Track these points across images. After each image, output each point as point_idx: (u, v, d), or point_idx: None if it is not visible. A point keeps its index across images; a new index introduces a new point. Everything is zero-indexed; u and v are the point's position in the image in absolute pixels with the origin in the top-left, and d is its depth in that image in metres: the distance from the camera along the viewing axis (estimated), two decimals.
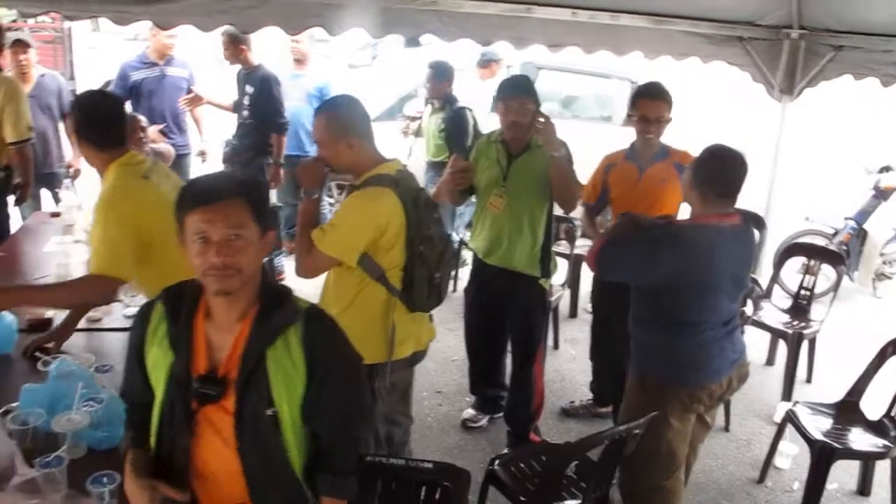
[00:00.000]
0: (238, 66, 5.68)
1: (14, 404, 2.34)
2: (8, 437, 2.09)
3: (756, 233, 4.80)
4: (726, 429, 4.31)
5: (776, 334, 4.91)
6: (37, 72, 5.54)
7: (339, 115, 2.74)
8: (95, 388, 2.41)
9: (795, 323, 4.82)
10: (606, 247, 2.90)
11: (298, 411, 1.80)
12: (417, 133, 6.35)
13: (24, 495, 1.90)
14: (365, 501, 2.22)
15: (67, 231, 4.21)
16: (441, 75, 5.77)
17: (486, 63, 6.40)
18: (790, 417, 3.64)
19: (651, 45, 5.27)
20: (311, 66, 6.20)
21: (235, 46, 5.48)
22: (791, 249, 5.46)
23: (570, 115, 7.47)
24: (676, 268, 2.73)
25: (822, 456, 3.37)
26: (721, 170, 2.77)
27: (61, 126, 5.68)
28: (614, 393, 3.67)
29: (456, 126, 5.56)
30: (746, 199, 3.05)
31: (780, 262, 5.39)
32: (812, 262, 5.02)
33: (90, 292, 2.72)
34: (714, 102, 10.58)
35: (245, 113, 5.64)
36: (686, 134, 4.31)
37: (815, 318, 4.87)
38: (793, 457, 3.95)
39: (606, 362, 4.12)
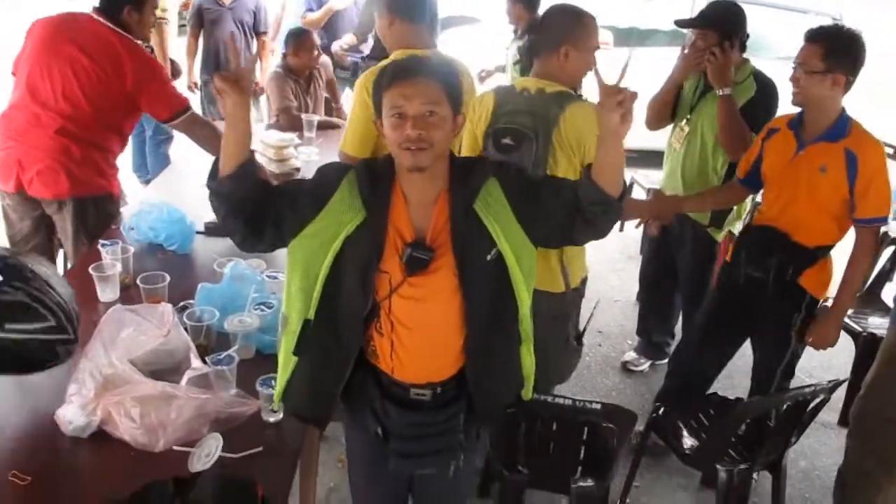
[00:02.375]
0: None
1: (190, 301, 2.43)
2: (185, 332, 2.15)
3: None
4: None
5: None
6: None
7: None
8: (265, 294, 2.46)
9: None
10: None
11: (523, 241, 1.83)
12: (504, 70, 5.67)
13: (196, 389, 1.96)
14: (527, 436, 2.17)
15: None
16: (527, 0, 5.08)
17: None
18: None
19: None
20: None
21: None
22: None
23: (761, 54, 6.95)
24: None
25: None
26: None
27: (254, 45, 5.83)
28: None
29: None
30: None
31: None
32: None
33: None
34: None
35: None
36: None
37: None
38: None
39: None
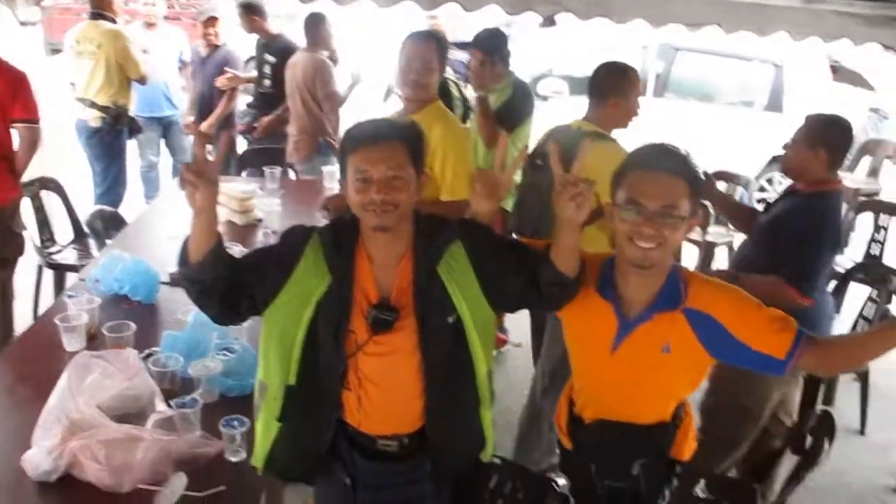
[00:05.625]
0: (256, 37, 5.68)
1: (156, 349, 2.50)
2: (150, 378, 2.22)
3: None
4: (862, 432, 4.08)
5: None
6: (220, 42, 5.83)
7: None
8: (228, 339, 2.53)
9: None
10: None
11: (482, 306, 1.88)
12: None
13: (161, 431, 2.03)
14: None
15: None
16: None
17: None
18: None
19: (799, 26, 4.96)
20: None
21: (248, 16, 5.47)
22: None
23: (709, 101, 7.23)
24: None
25: None
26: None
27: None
28: None
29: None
30: None
31: None
32: None
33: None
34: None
35: (267, 82, 5.58)
36: None
37: None
38: None
39: None
